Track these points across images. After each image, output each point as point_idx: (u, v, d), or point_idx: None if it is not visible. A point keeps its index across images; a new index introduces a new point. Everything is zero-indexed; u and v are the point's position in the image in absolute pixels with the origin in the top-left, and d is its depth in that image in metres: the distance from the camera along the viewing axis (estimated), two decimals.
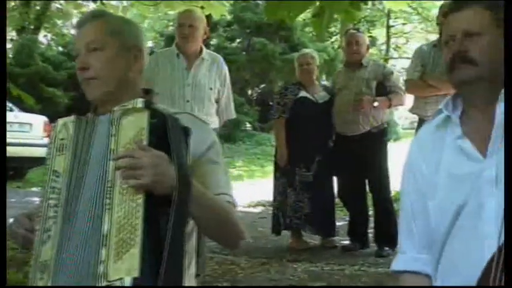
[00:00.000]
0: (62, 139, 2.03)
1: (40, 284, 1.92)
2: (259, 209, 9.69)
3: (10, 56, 20.38)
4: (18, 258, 5.70)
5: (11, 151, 9.70)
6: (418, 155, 2.05)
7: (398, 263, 2.09)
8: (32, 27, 22.00)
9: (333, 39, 26.68)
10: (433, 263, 1.97)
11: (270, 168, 7.47)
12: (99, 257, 1.84)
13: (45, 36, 25.60)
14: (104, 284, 1.80)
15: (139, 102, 1.94)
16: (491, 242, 1.74)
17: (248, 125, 21.55)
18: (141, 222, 1.82)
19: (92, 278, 1.83)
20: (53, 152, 2.04)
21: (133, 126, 1.92)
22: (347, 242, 6.68)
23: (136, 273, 1.78)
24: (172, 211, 1.85)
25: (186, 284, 2.13)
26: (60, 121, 2.08)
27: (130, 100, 2.01)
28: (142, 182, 1.86)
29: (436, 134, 2.02)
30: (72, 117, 2.06)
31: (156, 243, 1.83)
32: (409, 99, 6.38)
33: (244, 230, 2.18)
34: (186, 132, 1.99)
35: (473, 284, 1.65)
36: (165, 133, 1.92)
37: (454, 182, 1.91)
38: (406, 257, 2.06)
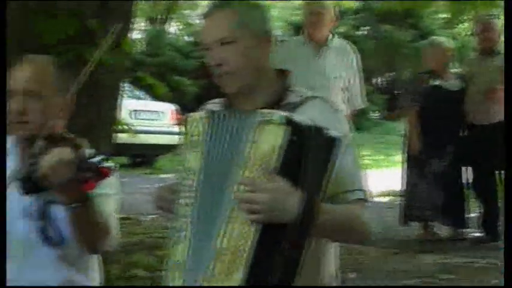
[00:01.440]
0: (195, 135, 1.96)
1: (172, 284, 1.91)
2: (386, 199, 9.57)
3: (142, 45, 21.03)
4: (146, 243, 5.86)
5: (141, 138, 9.98)
6: None
7: None
8: (161, 17, 22.54)
9: (464, 26, 26.02)
10: None
11: (397, 157, 7.35)
12: (209, 270, 1.82)
13: (173, 26, 26.19)
14: None
15: (282, 117, 1.82)
16: None
17: (375, 113, 21.32)
18: (249, 248, 1.77)
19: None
20: (186, 148, 1.97)
21: (270, 139, 1.81)
22: (478, 234, 6.52)
23: None
24: (288, 243, 1.80)
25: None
26: (193, 116, 2.00)
27: (269, 89, 2.10)
28: (257, 217, 1.80)
29: None
30: (203, 112, 2.00)
31: (265, 270, 1.78)
32: None
33: (370, 230, 2.10)
34: (331, 144, 1.87)
35: None
36: (303, 153, 1.81)
37: None
38: None
